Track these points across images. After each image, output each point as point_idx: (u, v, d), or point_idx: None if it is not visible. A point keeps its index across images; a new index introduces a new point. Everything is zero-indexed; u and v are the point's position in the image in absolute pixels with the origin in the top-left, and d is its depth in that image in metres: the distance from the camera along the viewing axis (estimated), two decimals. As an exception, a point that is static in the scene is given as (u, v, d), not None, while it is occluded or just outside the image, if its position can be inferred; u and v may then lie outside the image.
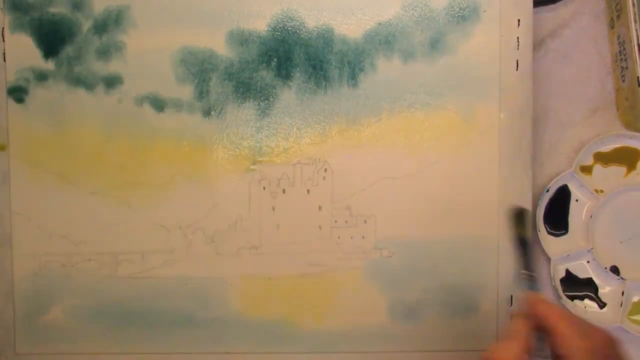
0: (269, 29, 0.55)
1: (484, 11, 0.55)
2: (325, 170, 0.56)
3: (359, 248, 0.56)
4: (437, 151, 0.56)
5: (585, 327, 0.39)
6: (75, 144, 0.56)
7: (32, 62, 0.55)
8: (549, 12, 0.59)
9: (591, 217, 0.57)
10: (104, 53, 0.55)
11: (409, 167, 0.56)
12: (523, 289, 0.43)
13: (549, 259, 0.58)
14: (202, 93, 0.55)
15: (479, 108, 0.55)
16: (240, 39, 0.55)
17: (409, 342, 0.56)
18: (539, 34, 0.58)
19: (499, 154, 0.55)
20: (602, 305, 0.58)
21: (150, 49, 0.55)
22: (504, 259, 0.56)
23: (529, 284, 0.44)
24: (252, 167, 0.56)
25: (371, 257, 0.56)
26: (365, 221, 0.56)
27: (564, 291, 0.57)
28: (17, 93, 0.55)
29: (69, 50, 0.55)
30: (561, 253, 0.58)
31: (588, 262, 0.58)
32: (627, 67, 0.55)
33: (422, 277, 0.56)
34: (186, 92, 0.55)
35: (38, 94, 0.56)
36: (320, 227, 0.56)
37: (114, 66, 0.55)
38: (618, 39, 0.56)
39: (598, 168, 0.58)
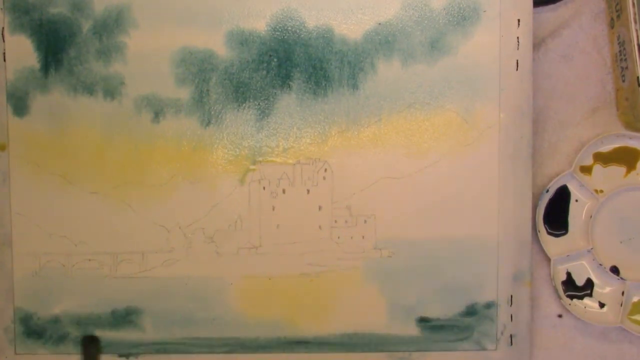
0: (269, 29, 0.55)
1: (484, 11, 0.55)
2: (325, 170, 0.56)
3: (359, 248, 0.56)
4: (437, 151, 0.56)
5: None
6: (75, 144, 0.56)
7: (32, 62, 0.55)
8: (549, 12, 0.59)
9: (591, 217, 0.57)
10: (104, 53, 0.55)
11: (409, 167, 0.56)
12: None
13: (548, 260, 0.58)
14: (202, 93, 0.55)
15: (479, 108, 0.55)
16: (240, 39, 0.55)
17: (409, 341, 0.56)
18: (539, 34, 0.58)
19: (499, 154, 0.55)
20: (602, 305, 0.58)
21: (151, 49, 0.55)
22: (504, 259, 0.56)
23: None
24: (252, 167, 0.56)
25: (371, 257, 0.56)
26: (365, 221, 0.56)
27: (564, 291, 0.57)
28: (17, 93, 0.55)
29: (69, 50, 0.55)
30: (561, 253, 0.58)
31: (588, 262, 0.58)
32: (627, 67, 0.55)
33: (422, 277, 0.56)
34: (186, 92, 0.55)
35: (38, 94, 0.55)
36: (320, 227, 0.56)
37: (114, 66, 0.55)
38: (618, 39, 0.56)
39: (598, 168, 0.58)
